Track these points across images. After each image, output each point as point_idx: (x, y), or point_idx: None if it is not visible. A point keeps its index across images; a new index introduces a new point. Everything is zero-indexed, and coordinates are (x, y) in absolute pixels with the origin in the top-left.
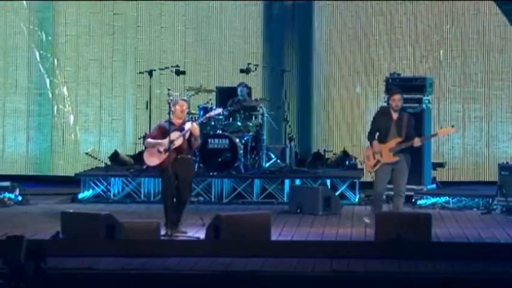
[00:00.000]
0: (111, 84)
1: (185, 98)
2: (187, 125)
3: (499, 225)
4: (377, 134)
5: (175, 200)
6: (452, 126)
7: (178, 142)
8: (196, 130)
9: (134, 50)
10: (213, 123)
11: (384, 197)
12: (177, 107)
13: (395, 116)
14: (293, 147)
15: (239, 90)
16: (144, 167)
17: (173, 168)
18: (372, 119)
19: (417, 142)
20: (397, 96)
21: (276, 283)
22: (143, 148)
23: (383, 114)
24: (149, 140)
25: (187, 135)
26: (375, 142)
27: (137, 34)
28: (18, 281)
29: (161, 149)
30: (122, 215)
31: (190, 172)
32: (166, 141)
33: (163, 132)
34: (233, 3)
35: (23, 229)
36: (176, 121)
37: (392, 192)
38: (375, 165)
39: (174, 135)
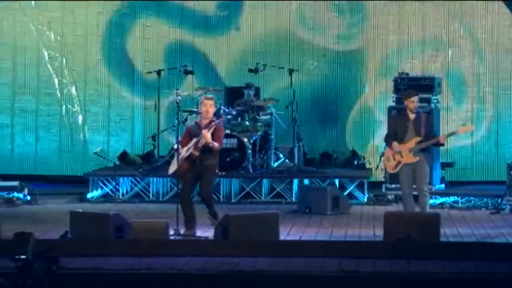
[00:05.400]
0: (119, 83)
1: (211, 95)
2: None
3: (508, 225)
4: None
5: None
6: (472, 124)
7: (190, 151)
8: (207, 138)
9: (143, 50)
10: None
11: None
12: (201, 106)
13: (412, 116)
14: (301, 146)
15: (245, 91)
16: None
17: (192, 172)
18: (389, 120)
19: (443, 139)
20: (415, 98)
21: (284, 283)
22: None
23: (399, 115)
24: (180, 149)
25: (201, 142)
26: (395, 143)
27: (146, 34)
28: (26, 279)
29: (179, 157)
30: (131, 214)
31: (208, 176)
32: (183, 149)
33: (190, 135)
34: (241, 3)
35: (31, 229)
36: (203, 122)
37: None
38: (396, 166)
39: (190, 143)
